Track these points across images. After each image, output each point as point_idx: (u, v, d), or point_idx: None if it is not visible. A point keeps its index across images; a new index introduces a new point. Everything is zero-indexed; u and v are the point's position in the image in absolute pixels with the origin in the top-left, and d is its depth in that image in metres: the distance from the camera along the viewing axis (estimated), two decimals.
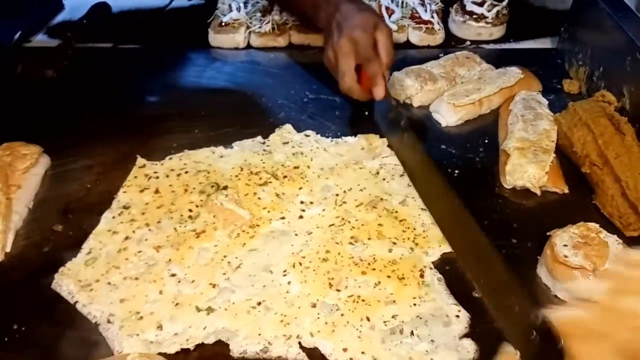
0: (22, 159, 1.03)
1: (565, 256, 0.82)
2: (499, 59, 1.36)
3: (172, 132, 1.15)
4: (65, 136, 1.14)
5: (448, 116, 1.18)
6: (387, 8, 1.50)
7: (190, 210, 0.96)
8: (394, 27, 1.46)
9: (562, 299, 0.84)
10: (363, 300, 0.82)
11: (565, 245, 0.84)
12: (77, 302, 0.81)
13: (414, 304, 0.81)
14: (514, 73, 1.26)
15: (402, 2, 1.53)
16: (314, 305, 0.81)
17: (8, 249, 0.91)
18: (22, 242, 0.93)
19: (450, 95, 1.19)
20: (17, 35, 1.49)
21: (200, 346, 0.76)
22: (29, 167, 1.02)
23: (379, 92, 1.09)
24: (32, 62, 1.36)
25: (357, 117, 1.21)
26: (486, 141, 1.14)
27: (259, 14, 1.49)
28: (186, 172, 1.04)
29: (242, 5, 1.51)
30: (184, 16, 1.64)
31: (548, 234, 0.88)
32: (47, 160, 1.08)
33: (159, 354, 0.74)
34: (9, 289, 0.85)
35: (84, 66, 1.39)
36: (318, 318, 0.79)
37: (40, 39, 1.51)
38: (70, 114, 1.22)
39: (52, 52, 1.40)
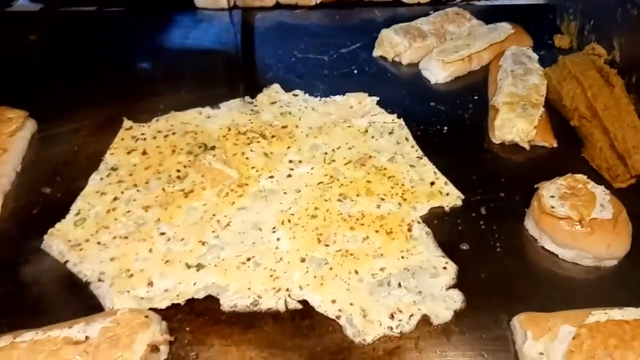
0: (7, 122, 1.02)
1: (552, 207, 0.83)
2: (489, 16, 1.34)
3: (158, 94, 1.14)
4: (51, 100, 1.13)
5: (437, 73, 1.17)
6: None
7: (178, 171, 0.96)
8: None
9: (548, 250, 0.85)
10: (351, 254, 0.82)
11: (552, 197, 0.84)
12: (67, 261, 0.82)
13: (402, 257, 0.82)
14: (504, 28, 1.24)
15: None
16: (303, 260, 0.82)
17: None
18: (11, 205, 0.93)
19: (439, 51, 1.18)
20: None
21: (191, 301, 0.77)
22: (15, 131, 1.01)
23: None
24: (14, 26, 1.33)
25: (346, 76, 1.20)
26: (476, 97, 1.13)
27: None
28: (173, 134, 1.03)
29: None
30: None
31: (536, 186, 0.89)
32: (34, 124, 1.07)
33: (150, 309, 0.74)
34: (3, 247, 0.85)
35: (68, 30, 1.36)
36: (307, 272, 0.80)
37: (22, 4, 1.47)
38: (55, 78, 1.20)
39: (34, 16, 1.37)
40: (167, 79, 1.19)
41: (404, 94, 1.14)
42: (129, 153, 0.99)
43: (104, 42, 1.33)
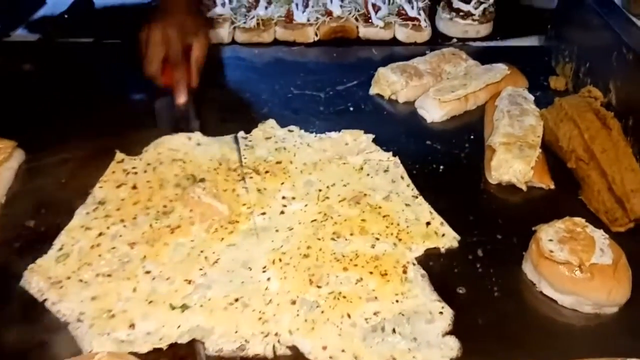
0: None
1: (551, 251, 0.81)
2: (485, 57, 1.35)
3: (152, 127, 1.12)
4: (42, 130, 1.11)
5: (433, 112, 1.16)
6: (373, 5, 1.49)
7: (165, 206, 0.93)
8: (380, 23, 1.44)
9: (547, 295, 0.82)
10: (344, 297, 0.79)
11: (551, 240, 0.82)
12: (46, 299, 0.78)
13: (397, 301, 0.79)
14: (500, 69, 1.25)
15: None
16: (293, 302, 0.79)
17: None
18: None
19: (435, 91, 1.18)
20: None
21: (174, 345, 0.73)
22: (1, 162, 0.99)
23: (179, 99, 1.11)
24: (10, 56, 1.32)
25: (342, 113, 1.19)
26: (472, 137, 1.12)
27: (243, 10, 1.48)
28: (161, 163, 1.01)
29: (227, 0, 1.49)
30: None
31: (533, 228, 0.87)
32: (22, 154, 1.05)
33: (130, 353, 0.71)
34: None
35: (64, 61, 1.36)
36: (297, 315, 0.77)
37: (20, 34, 1.48)
38: (47, 108, 1.19)
39: (30, 46, 1.37)
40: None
41: (400, 132, 1.13)
42: (118, 187, 0.97)
43: (100, 73, 1.33)
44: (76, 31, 1.47)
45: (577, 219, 0.85)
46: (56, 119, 1.15)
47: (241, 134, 1.10)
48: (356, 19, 1.46)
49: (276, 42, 1.45)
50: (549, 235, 0.83)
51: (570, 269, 0.79)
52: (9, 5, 1.54)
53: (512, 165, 0.98)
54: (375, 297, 0.79)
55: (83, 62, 1.37)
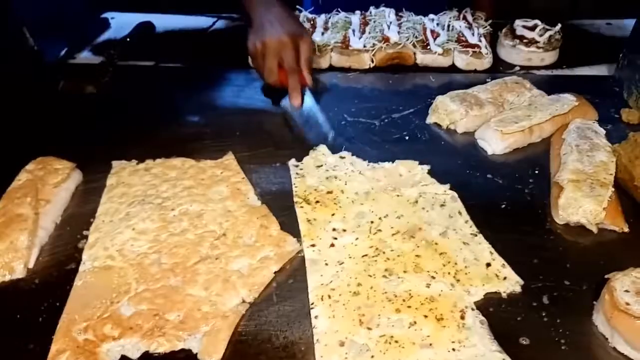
0: (54, 173, 1.02)
1: (627, 303, 0.73)
2: (550, 86, 1.28)
3: (206, 152, 1.12)
4: (100, 152, 1.12)
5: (495, 144, 1.11)
6: (432, 31, 1.45)
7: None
8: (438, 50, 1.40)
9: (621, 352, 0.74)
10: (396, 342, 0.74)
11: (627, 291, 0.75)
12: None
13: (453, 349, 0.73)
14: (568, 100, 1.18)
15: (448, 25, 1.48)
16: (341, 344, 0.75)
17: (31, 265, 0.88)
18: (45, 259, 0.90)
19: (497, 121, 1.12)
20: (63, 52, 1.52)
21: None
22: (59, 182, 1.01)
23: (295, 103, 1.19)
24: (74, 78, 1.37)
25: (396, 142, 1.16)
26: (536, 172, 1.06)
27: None
28: None
29: None
30: (226, 37, 1.64)
31: (606, 276, 0.79)
32: (79, 176, 1.06)
33: None
34: (28, 307, 0.82)
35: (125, 83, 1.40)
36: (346, 358, 0.73)
37: (85, 56, 1.53)
38: (106, 131, 1.21)
39: (93, 68, 1.42)
40: (216, 136, 1.18)
41: (458, 164, 1.08)
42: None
43: (158, 96, 1.35)
44: (138, 54, 1.50)
45: None
46: (113, 141, 1.17)
47: (292, 161, 1.08)
48: (414, 45, 1.43)
49: (331, 68, 1.43)
50: (625, 286, 0.76)
51: None
52: (77, 28, 1.60)
53: (582, 204, 0.91)
54: (430, 344, 0.74)
55: (143, 85, 1.40)
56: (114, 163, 1.09)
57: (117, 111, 1.29)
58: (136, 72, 1.45)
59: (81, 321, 0.78)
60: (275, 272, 0.86)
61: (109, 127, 1.23)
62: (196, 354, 0.75)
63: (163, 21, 1.68)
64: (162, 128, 1.23)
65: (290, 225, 0.95)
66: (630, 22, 1.42)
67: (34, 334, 0.78)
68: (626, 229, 0.92)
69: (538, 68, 1.41)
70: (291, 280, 0.86)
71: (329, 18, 1.55)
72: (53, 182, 1.00)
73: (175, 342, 0.75)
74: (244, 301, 0.82)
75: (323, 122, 1.17)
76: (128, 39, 1.53)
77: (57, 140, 1.16)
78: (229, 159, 1.10)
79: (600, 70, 1.40)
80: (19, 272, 0.86)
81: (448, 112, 1.18)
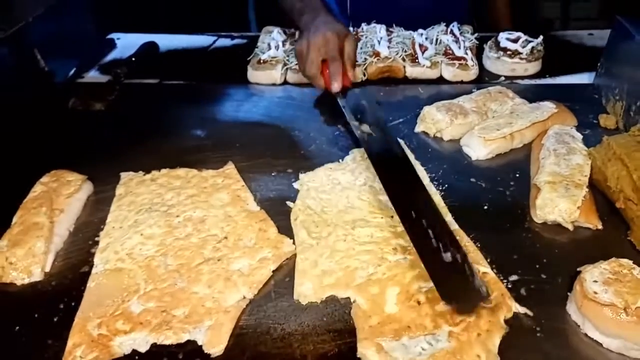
0: (67, 185, 1.10)
1: (595, 292, 0.80)
2: (534, 95, 1.36)
3: (208, 162, 1.20)
4: (108, 165, 1.20)
5: (478, 150, 1.18)
6: (420, 45, 1.53)
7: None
8: (427, 63, 1.48)
9: (591, 337, 0.80)
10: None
11: (596, 281, 0.81)
12: None
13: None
14: (547, 107, 1.25)
15: (436, 39, 1.56)
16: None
17: (47, 269, 0.96)
18: (60, 263, 0.98)
19: (481, 129, 1.19)
20: (72, 72, 1.60)
21: None
22: (72, 193, 1.08)
23: (335, 86, 1.28)
24: (83, 96, 1.45)
25: None
26: (517, 175, 1.13)
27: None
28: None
29: (280, 43, 1.58)
30: (226, 54, 1.72)
31: (579, 269, 0.86)
32: (90, 187, 1.14)
33: None
34: (45, 307, 0.89)
35: (130, 100, 1.48)
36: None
37: (92, 75, 1.61)
38: (114, 145, 1.29)
39: (101, 87, 1.50)
40: (216, 148, 1.25)
41: (445, 168, 1.15)
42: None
43: (162, 112, 1.43)
44: (142, 73, 1.58)
45: (624, 261, 0.84)
46: (121, 154, 1.24)
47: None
48: (403, 59, 1.51)
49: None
50: (594, 277, 0.82)
51: (615, 312, 0.77)
52: (84, 49, 1.69)
53: (557, 204, 0.98)
54: None
55: (148, 101, 1.48)
56: (122, 174, 1.17)
57: (124, 126, 1.37)
58: (141, 90, 1.53)
59: (95, 318, 0.85)
60: (273, 271, 0.93)
61: (116, 141, 1.31)
62: (201, 345, 0.81)
63: (166, 41, 1.77)
64: (166, 141, 1.30)
65: (286, 228, 1.02)
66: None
67: (52, 331, 0.85)
68: (600, 226, 0.98)
69: (522, 78, 1.49)
70: (287, 279, 0.93)
71: None
72: (66, 193, 1.08)
73: (181, 335, 0.82)
74: (244, 297, 0.88)
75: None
76: (133, 59, 1.62)
77: (69, 154, 1.24)
78: (230, 168, 1.18)
79: (581, 78, 1.47)
80: (37, 276, 0.94)
81: (435, 121, 1.25)
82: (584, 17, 3.10)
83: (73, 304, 0.89)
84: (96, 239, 1.02)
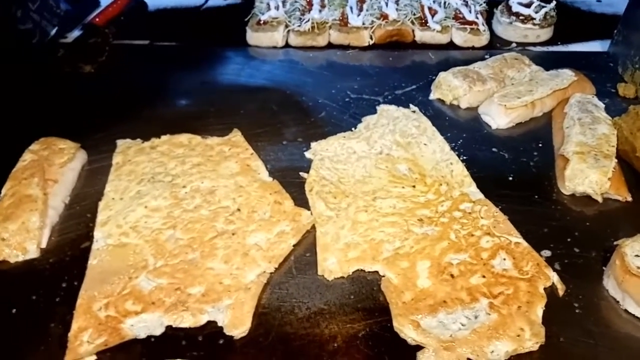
0: (59, 153, 1.01)
1: (638, 267, 0.76)
2: (547, 62, 1.30)
3: (211, 130, 1.12)
4: (102, 131, 1.11)
5: (499, 118, 1.12)
6: (429, 8, 1.45)
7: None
8: (437, 27, 1.41)
9: (633, 314, 0.77)
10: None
11: (637, 256, 0.78)
12: None
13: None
14: (567, 75, 1.20)
15: (445, 3, 1.49)
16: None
17: (44, 245, 0.88)
18: (57, 238, 0.90)
19: (501, 96, 1.14)
20: (54, 31, 1.48)
21: None
22: (65, 162, 0.99)
23: None
24: (70, 57, 1.34)
25: None
26: (540, 145, 1.08)
27: (297, 13, 1.46)
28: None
29: (280, 3, 1.48)
30: (220, 14, 1.61)
31: (615, 243, 0.82)
32: (84, 156, 1.05)
33: None
34: (44, 287, 0.81)
35: (121, 63, 1.37)
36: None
37: (76, 35, 1.49)
38: (107, 111, 1.19)
39: (90, 47, 1.38)
40: (219, 115, 1.17)
41: (464, 138, 1.10)
42: None
43: (157, 76, 1.33)
44: (132, 33, 1.47)
45: None
46: (115, 121, 1.15)
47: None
48: (412, 23, 1.43)
49: (330, 45, 1.43)
50: (635, 251, 0.79)
51: None
52: (65, 8, 1.55)
53: (587, 175, 0.94)
54: None
55: (140, 64, 1.37)
56: (119, 142, 1.08)
57: (116, 90, 1.27)
58: (132, 51, 1.42)
59: (101, 298, 0.78)
60: (293, 245, 0.87)
61: (109, 106, 1.21)
62: (221, 326, 0.75)
63: None
64: (163, 107, 1.21)
65: (301, 200, 0.96)
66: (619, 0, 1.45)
67: (54, 314, 0.78)
68: (629, 198, 0.95)
69: (534, 44, 1.43)
70: (308, 254, 0.87)
71: None
72: (59, 162, 0.99)
73: (199, 317, 0.76)
74: (264, 272, 0.82)
75: None
76: (122, 18, 1.50)
77: (59, 120, 1.14)
78: (236, 135, 1.10)
79: (593, 46, 1.43)
80: (33, 252, 0.86)
81: (451, 88, 1.19)
82: None
83: (75, 283, 0.81)
84: (95, 211, 0.93)
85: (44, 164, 0.97)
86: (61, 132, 1.07)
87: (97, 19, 1.48)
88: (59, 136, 1.06)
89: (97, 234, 0.89)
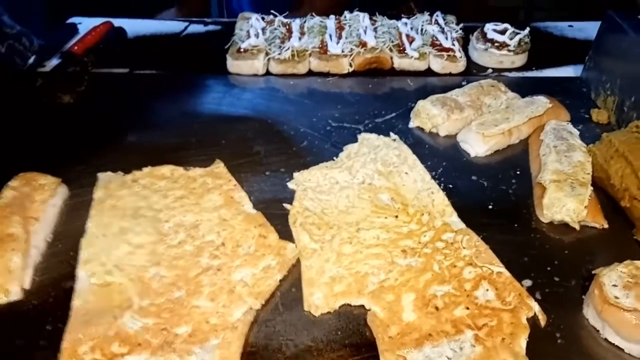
0: (40, 189, 0.99)
1: (616, 297, 0.78)
2: (522, 88, 1.34)
3: (193, 161, 1.12)
4: (83, 164, 1.10)
5: (477, 146, 1.15)
6: (407, 36, 1.49)
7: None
8: (415, 54, 1.44)
9: (612, 342, 0.79)
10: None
11: (615, 286, 0.80)
12: None
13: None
14: (542, 102, 1.24)
15: (422, 30, 1.52)
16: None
17: (26, 286, 0.86)
18: (41, 278, 0.88)
19: (478, 124, 1.16)
20: (32, 59, 1.46)
21: None
22: (46, 199, 0.98)
23: None
24: (49, 87, 1.33)
25: None
26: (518, 172, 1.11)
27: (277, 41, 1.48)
28: None
29: (260, 31, 1.49)
30: (200, 42, 1.63)
31: (594, 272, 0.84)
32: (65, 191, 1.04)
33: None
34: (28, 330, 0.80)
35: (101, 92, 1.36)
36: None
37: (54, 64, 1.48)
38: (87, 142, 1.18)
39: (68, 77, 1.38)
40: (200, 146, 1.17)
41: (444, 166, 1.12)
42: None
43: (137, 105, 1.33)
44: (111, 61, 1.47)
45: (639, 263, 0.83)
46: (95, 153, 1.14)
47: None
48: (390, 50, 1.46)
49: (310, 73, 1.44)
50: (612, 280, 0.81)
51: (638, 317, 0.76)
52: (44, 35, 1.54)
53: (565, 204, 0.96)
54: None
55: (120, 93, 1.37)
56: (100, 175, 1.07)
57: (96, 121, 1.26)
58: (111, 80, 1.42)
59: (86, 340, 0.77)
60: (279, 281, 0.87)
61: (89, 137, 1.20)
62: None
63: (133, 26, 1.64)
64: (143, 137, 1.21)
65: (285, 232, 0.96)
66: (590, 25, 1.51)
67: (38, 358, 0.76)
68: (606, 225, 0.98)
69: (510, 70, 1.47)
70: (294, 289, 0.87)
71: (304, 22, 1.56)
72: (40, 199, 0.97)
73: (187, 358, 0.75)
74: (250, 308, 0.82)
75: None
76: (101, 46, 1.49)
77: (38, 153, 1.13)
78: (219, 166, 1.10)
79: (567, 71, 1.47)
80: (15, 294, 0.84)
81: (430, 117, 1.21)
82: (548, 7, 3.15)
83: (60, 325, 0.80)
84: (78, 249, 0.92)
85: (24, 201, 0.96)
86: (41, 165, 1.06)
87: (75, 47, 1.48)
88: (39, 170, 1.04)
89: (81, 273, 0.88)
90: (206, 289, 0.85)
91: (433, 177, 1.08)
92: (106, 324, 0.80)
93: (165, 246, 0.92)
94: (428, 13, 1.59)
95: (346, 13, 1.58)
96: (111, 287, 0.85)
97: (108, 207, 1.00)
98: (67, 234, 0.96)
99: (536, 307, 0.83)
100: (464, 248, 0.92)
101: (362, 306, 0.84)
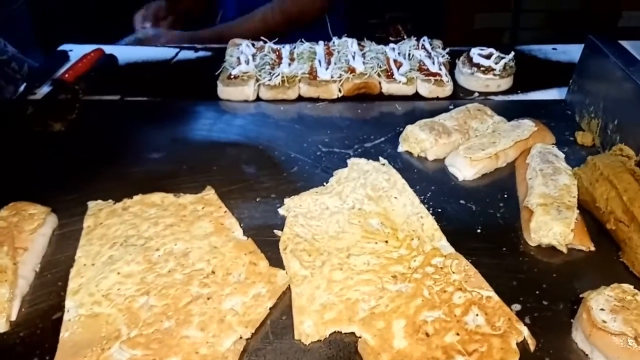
0: (29, 219, 0.99)
1: (604, 321, 0.79)
2: (508, 111, 1.36)
3: (184, 188, 1.12)
4: (73, 193, 1.10)
5: (465, 170, 1.16)
6: (395, 61, 1.51)
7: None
8: (402, 79, 1.46)
9: None
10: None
11: (602, 310, 0.81)
12: None
13: None
14: (527, 126, 1.26)
15: (409, 55, 1.55)
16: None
17: (13, 318, 0.85)
18: (28, 310, 0.87)
19: (466, 149, 1.18)
20: (22, 87, 1.47)
21: None
22: (36, 228, 0.98)
23: None
24: (39, 115, 1.33)
25: None
26: (505, 196, 1.12)
27: (267, 67, 1.49)
28: None
29: (250, 58, 1.51)
30: (191, 67, 1.64)
31: (581, 295, 0.85)
32: (55, 220, 1.04)
33: None
34: None
35: (91, 120, 1.37)
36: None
37: (45, 91, 1.49)
38: (78, 170, 1.18)
39: (59, 105, 1.38)
40: (192, 172, 1.18)
41: (433, 190, 1.13)
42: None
43: (128, 132, 1.33)
44: (102, 88, 1.48)
45: (626, 286, 0.84)
46: (86, 181, 1.14)
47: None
48: (379, 75, 1.48)
49: (300, 98, 1.46)
50: (600, 304, 0.81)
51: (625, 340, 0.77)
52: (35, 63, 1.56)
53: (551, 227, 0.97)
54: None
55: (111, 120, 1.38)
56: (90, 204, 1.07)
57: (87, 149, 1.27)
58: (103, 107, 1.43)
59: None
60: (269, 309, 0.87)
61: (79, 166, 1.20)
62: None
63: (124, 53, 1.66)
64: (134, 165, 1.21)
65: (276, 259, 0.96)
66: (573, 47, 1.54)
67: None
68: (592, 248, 0.99)
69: (495, 94, 1.50)
70: (284, 317, 0.87)
71: (294, 48, 1.58)
72: (29, 229, 0.97)
73: None
74: (240, 338, 0.82)
75: None
76: (92, 73, 1.50)
77: (28, 183, 1.13)
78: (209, 193, 1.10)
79: (551, 94, 1.50)
80: (2, 327, 0.83)
81: (418, 141, 1.23)
82: (533, 26, 3.21)
83: (47, 358, 0.79)
84: (67, 279, 0.92)
85: (13, 231, 0.96)
86: (31, 193, 1.06)
87: (66, 75, 1.49)
88: (29, 198, 1.04)
89: (69, 303, 0.87)
90: (196, 318, 0.84)
91: (422, 201, 1.09)
92: (94, 355, 0.79)
93: (155, 275, 0.92)
94: (415, 38, 1.62)
95: (335, 39, 1.61)
96: (99, 317, 0.85)
97: (98, 236, 1.00)
98: (56, 264, 0.96)
99: (525, 332, 0.83)
100: (453, 272, 0.93)
101: (353, 333, 0.84)
